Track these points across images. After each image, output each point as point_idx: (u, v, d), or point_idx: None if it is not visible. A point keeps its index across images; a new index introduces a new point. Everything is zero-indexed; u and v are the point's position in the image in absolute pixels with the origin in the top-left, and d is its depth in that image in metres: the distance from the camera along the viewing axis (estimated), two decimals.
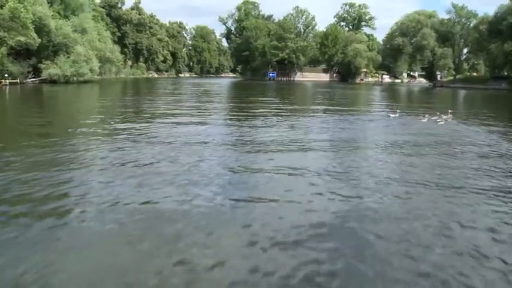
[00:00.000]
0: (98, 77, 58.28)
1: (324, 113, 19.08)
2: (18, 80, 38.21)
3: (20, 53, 40.95)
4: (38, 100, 26.43)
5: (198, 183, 6.51)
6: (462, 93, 51.49)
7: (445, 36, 75.07)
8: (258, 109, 20.31)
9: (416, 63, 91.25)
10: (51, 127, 13.36)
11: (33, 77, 42.48)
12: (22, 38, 36.92)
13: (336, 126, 14.24)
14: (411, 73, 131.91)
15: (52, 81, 41.57)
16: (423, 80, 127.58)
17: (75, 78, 42.51)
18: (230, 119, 16.24)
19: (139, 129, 12.41)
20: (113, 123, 13.93)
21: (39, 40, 39.31)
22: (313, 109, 21.99)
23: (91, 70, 44.79)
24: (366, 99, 36.32)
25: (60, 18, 47.89)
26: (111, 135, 11.30)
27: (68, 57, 42.94)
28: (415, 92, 54.00)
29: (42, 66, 42.02)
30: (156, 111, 18.60)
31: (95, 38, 49.85)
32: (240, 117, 16.49)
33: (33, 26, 38.94)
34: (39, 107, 21.36)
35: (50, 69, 41.42)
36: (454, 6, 73.90)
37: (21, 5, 36.10)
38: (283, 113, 18.45)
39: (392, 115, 16.69)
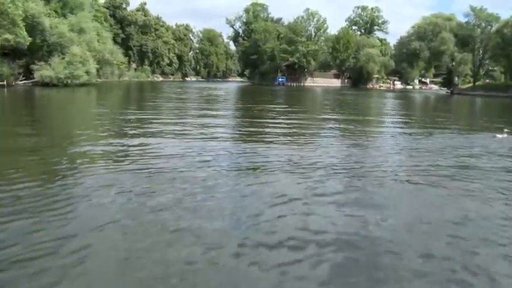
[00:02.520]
0: (99, 80, 55.38)
1: (399, 133, 14.48)
2: (5, 83, 35.03)
3: (13, 52, 37.77)
4: (18, 106, 23.13)
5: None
6: (491, 102, 47.19)
7: (464, 41, 70.89)
8: (285, 130, 14.25)
9: (432, 68, 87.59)
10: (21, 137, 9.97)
11: (24, 79, 39.33)
12: (10, 36, 33.74)
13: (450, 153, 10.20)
14: (423, 79, 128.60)
15: (45, 84, 38.39)
16: (435, 87, 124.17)
17: (69, 81, 39.22)
18: (239, 139, 12.60)
19: (128, 147, 9.19)
20: (101, 138, 10.75)
21: (30, 39, 36.13)
22: (365, 122, 17.61)
23: (87, 72, 41.42)
24: (408, 108, 32.39)
25: (57, 17, 44.97)
26: (102, 155, 8.77)
27: (63, 58, 39.70)
28: (440, 101, 49.47)
29: (34, 67, 38.83)
30: (147, 123, 15.04)
31: (94, 39, 46.57)
32: (253, 137, 12.84)
33: (24, 24, 35.83)
34: (15, 113, 18.00)
35: (42, 71, 38.20)
36: (473, 9, 69.77)
37: (9, 0, 32.93)
38: (319, 130, 14.34)
39: (499, 135, 13.00)
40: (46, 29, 39.82)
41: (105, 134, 11.77)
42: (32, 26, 38.36)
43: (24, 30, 35.25)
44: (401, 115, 23.98)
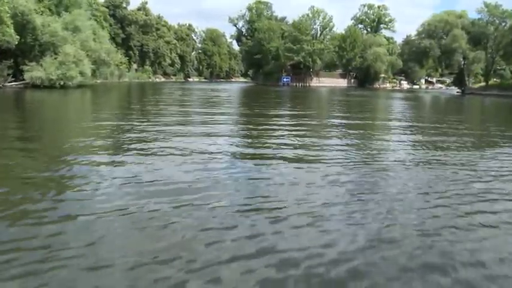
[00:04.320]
0: (98, 81, 53.28)
1: None
2: None
3: (3, 52, 35.46)
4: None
5: None
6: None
7: (476, 39, 67.94)
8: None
9: (440, 68, 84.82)
10: None
11: (14, 81, 37.02)
12: None
13: None
14: (429, 79, 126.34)
15: (36, 86, 36.00)
16: (442, 86, 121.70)
17: (62, 82, 36.86)
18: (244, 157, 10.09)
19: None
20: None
21: (18, 38, 33.84)
22: (398, 132, 14.56)
23: (81, 73, 39.00)
24: (434, 112, 29.46)
25: (50, 15, 42.74)
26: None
27: (55, 59, 37.31)
28: (458, 102, 46.17)
29: (25, 68, 36.48)
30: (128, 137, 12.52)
31: (89, 38, 44.09)
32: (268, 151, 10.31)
33: (13, 22, 33.59)
34: None
35: (32, 72, 35.85)
36: (487, 5, 66.73)
37: None
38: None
39: None
40: (37, 27, 37.53)
41: (92, 146, 9.31)
42: (22, 25, 36.16)
43: (11, 28, 32.95)
44: (432, 122, 20.86)
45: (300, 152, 9.71)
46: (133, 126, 13.61)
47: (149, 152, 8.93)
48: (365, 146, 10.99)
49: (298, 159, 8.71)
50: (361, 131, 14.66)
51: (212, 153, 9.02)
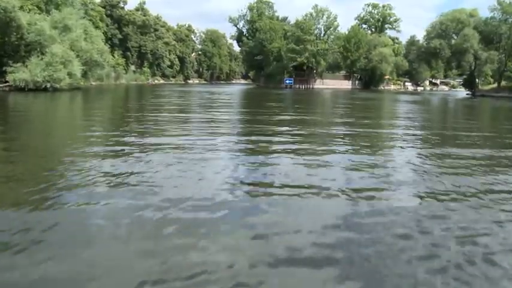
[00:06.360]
0: (94, 84, 50.62)
1: None
2: None
3: None
4: None
5: None
6: None
7: (488, 38, 64.90)
8: None
9: (451, 68, 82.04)
10: None
11: None
12: None
13: None
14: (433, 80, 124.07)
15: (21, 89, 33.06)
16: (445, 88, 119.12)
17: (49, 85, 33.96)
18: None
19: None
20: None
21: None
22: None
23: (70, 75, 36.08)
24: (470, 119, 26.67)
25: (40, 13, 39.97)
26: None
27: (41, 59, 34.38)
28: (478, 105, 42.66)
29: (8, 69, 33.59)
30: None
31: (80, 37, 41.10)
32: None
33: None
34: None
35: (16, 74, 32.95)
36: (500, 2, 63.50)
37: None
38: None
39: None
40: (22, 25, 34.67)
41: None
42: (5, 22, 33.34)
43: None
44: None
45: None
46: (106, 145, 10.69)
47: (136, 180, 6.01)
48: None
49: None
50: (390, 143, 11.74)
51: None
